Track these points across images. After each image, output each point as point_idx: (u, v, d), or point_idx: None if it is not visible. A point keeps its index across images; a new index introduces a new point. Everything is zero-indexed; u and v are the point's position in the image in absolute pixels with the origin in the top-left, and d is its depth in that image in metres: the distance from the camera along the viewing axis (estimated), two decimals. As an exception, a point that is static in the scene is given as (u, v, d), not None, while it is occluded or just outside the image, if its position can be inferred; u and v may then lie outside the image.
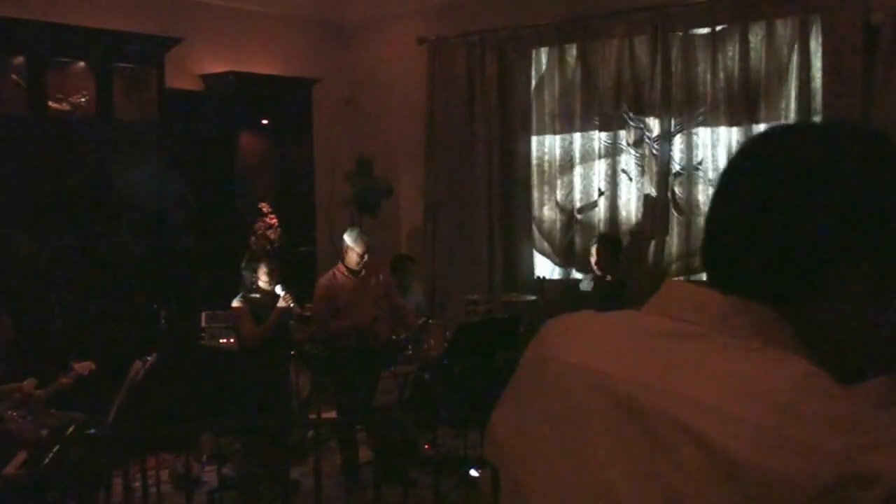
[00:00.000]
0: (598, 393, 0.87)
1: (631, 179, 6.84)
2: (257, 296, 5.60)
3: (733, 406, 0.78)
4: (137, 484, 4.34)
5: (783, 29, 6.13)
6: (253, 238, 6.61)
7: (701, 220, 6.55)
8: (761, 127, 6.22)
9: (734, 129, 6.32)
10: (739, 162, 0.94)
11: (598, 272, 6.07)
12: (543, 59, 7.19)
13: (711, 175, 6.50)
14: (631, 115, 6.76)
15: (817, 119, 5.92)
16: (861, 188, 0.87)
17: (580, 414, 0.88)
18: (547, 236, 7.31)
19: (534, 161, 7.31)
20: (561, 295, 6.75)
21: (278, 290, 5.57)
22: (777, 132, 0.95)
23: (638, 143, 6.77)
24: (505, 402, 1.01)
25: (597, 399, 0.87)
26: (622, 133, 6.83)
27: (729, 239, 0.92)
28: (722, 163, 6.43)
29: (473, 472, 4.97)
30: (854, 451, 0.73)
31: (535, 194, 7.32)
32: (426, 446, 5.79)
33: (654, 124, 6.67)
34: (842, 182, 0.87)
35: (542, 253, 7.37)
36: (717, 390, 0.80)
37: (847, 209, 0.86)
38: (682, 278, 6.58)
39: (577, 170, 7.08)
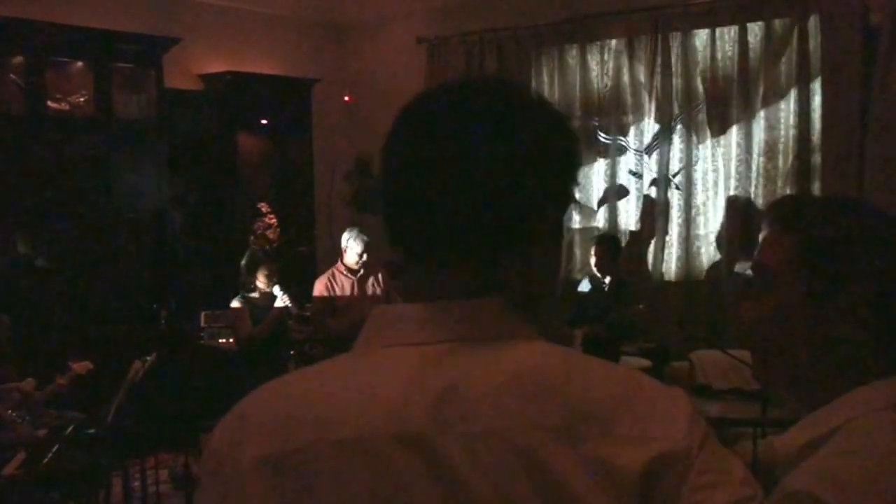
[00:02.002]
0: (423, 462, 0.80)
1: (631, 179, 6.83)
2: (256, 296, 5.60)
3: (545, 417, 0.79)
4: (137, 484, 4.35)
5: (783, 29, 6.12)
6: (252, 238, 6.61)
7: (701, 221, 6.55)
8: (762, 127, 6.23)
9: (734, 130, 6.32)
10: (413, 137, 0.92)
11: (598, 272, 6.07)
12: (543, 60, 7.18)
13: (711, 175, 6.50)
14: (631, 115, 6.76)
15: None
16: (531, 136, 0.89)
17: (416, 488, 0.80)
18: (546, 236, 7.29)
19: (533, 161, 7.29)
20: (560, 295, 6.75)
21: (276, 290, 5.57)
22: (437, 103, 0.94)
23: (637, 144, 6.76)
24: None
25: (426, 473, 0.80)
26: (622, 133, 6.83)
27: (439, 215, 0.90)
28: (722, 163, 6.43)
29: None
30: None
31: (535, 194, 7.29)
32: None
33: (653, 124, 6.66)
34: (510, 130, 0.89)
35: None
36: (509, 403, 0.80)
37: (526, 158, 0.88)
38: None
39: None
